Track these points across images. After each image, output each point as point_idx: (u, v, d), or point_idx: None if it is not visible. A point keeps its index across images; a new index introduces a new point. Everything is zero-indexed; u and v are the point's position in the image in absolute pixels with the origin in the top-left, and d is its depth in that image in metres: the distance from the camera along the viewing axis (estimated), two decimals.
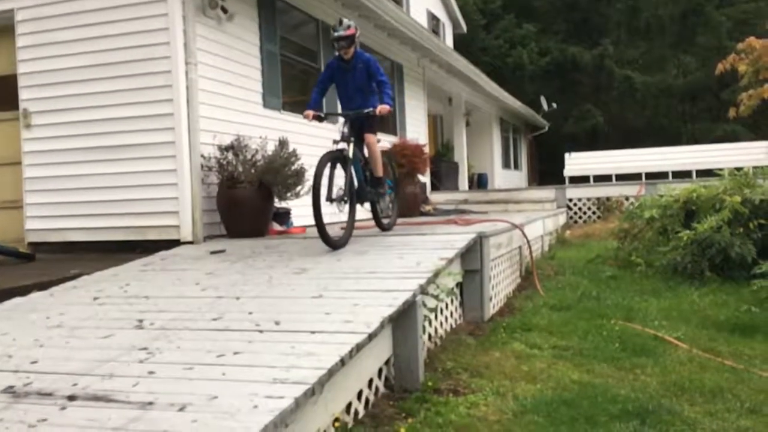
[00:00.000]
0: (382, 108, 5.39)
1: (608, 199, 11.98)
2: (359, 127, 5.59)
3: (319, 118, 5.60)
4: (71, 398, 2.44)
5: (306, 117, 5.55)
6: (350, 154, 5.29)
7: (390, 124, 11.27)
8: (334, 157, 5.17)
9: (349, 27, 5.45)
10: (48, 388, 2.55)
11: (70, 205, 6.40)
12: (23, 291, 4.29)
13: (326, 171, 4.98)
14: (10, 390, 2.57)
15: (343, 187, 5.24)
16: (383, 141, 10.38)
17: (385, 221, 6.21)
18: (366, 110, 5.43)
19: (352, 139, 5.35)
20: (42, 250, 6.42)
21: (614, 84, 26.73)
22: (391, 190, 6.30)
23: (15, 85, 6.60)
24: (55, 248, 6.43)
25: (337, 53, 5.58)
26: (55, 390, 2.53)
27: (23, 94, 6.58)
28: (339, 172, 5.31)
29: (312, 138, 7.52)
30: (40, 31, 6.49)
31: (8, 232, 6.65)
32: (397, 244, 5.20)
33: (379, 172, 5.77)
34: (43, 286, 4.47)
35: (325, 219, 4.98)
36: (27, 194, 6.60)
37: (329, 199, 5.02)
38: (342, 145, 5.30)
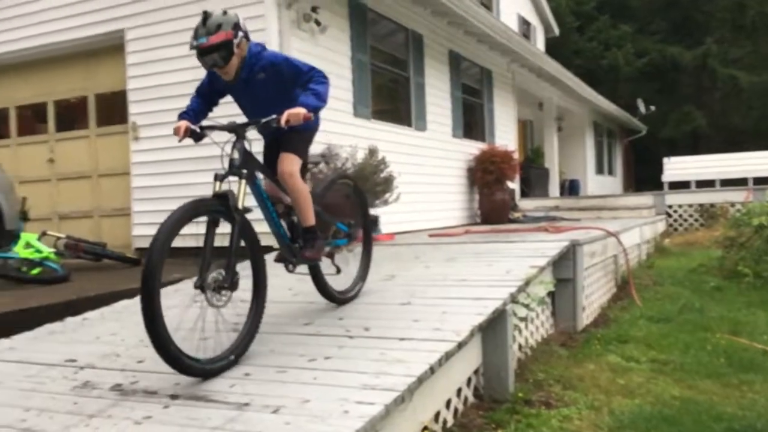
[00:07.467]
0: (292, 113, 3.09)
1: (712, 205, 11.39)
2: (269, 148, 3.58)
3: (196, 136, 3.35)
4: (173, 397, 2.57)
5: (176, 133, 3.32)
6: (239, 202, 3.03)
7: (479, 129, 11.19)
8: (205, 210, 3.04)
9: (218, 28, 3.12)
10: (152, 387, 2.70)
11: None
12: (130, 294, 4.55)
13: (174, 238, 3.08)
14: (117, 388, 2.74)
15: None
16: (471, 147, 10.46)
17: (339, 289, 3.79)
18: (264, 120, 3.19)
19: (245, 171, 3.14)
20: None
21: (717, 84, 25.36)
22: (348, 239, 3.95)
23: (125, 100, 7.06)
24: None
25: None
26: (159, 389, 2.67)
27: (132, 109, 7.02)
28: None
29: (399, 146, 7.56)
30: (147, 49, 6.89)
31: (117, 238, 7.09)
32: (486, 252, 5.14)
33: (308, 220, 3.47)
34: None
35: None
36: (134, 202, 7.02)
37: (200, 286, 3.05)
38: (225, 187, 3.04)
